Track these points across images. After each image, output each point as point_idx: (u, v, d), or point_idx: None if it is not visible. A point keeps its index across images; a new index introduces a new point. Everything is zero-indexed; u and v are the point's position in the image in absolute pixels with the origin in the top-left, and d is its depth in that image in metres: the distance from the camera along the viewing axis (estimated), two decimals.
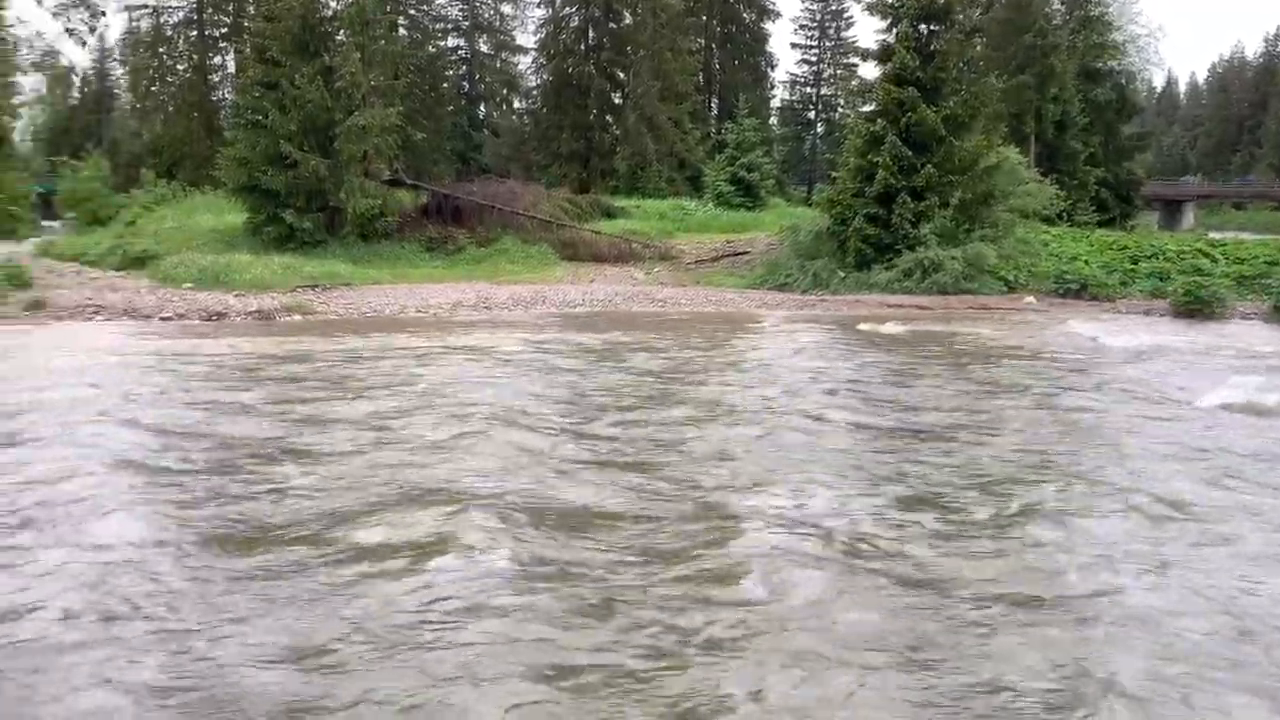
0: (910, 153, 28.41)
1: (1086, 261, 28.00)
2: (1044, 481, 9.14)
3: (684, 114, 48.34)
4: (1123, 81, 45.40)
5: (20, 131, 59.40)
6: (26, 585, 6.22)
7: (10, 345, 16.66)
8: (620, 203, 39.22)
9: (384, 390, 13.13)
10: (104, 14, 34.74)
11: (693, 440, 10.48)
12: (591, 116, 49.88)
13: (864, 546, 7.30)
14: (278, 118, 29.86)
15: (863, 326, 21.04)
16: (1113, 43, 45.02)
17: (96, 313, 21.10)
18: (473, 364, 15.58)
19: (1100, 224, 38.09)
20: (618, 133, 48.91)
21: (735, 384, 14.25)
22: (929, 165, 28.21)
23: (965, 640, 5.74)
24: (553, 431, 10.86)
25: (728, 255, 32.35)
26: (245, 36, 43.48)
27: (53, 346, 16.68)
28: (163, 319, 20.75)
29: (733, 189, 40.89)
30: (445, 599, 6.12)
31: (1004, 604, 6.29)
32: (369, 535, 7.29)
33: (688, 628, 5.82)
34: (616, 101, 50.69)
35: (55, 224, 48.03)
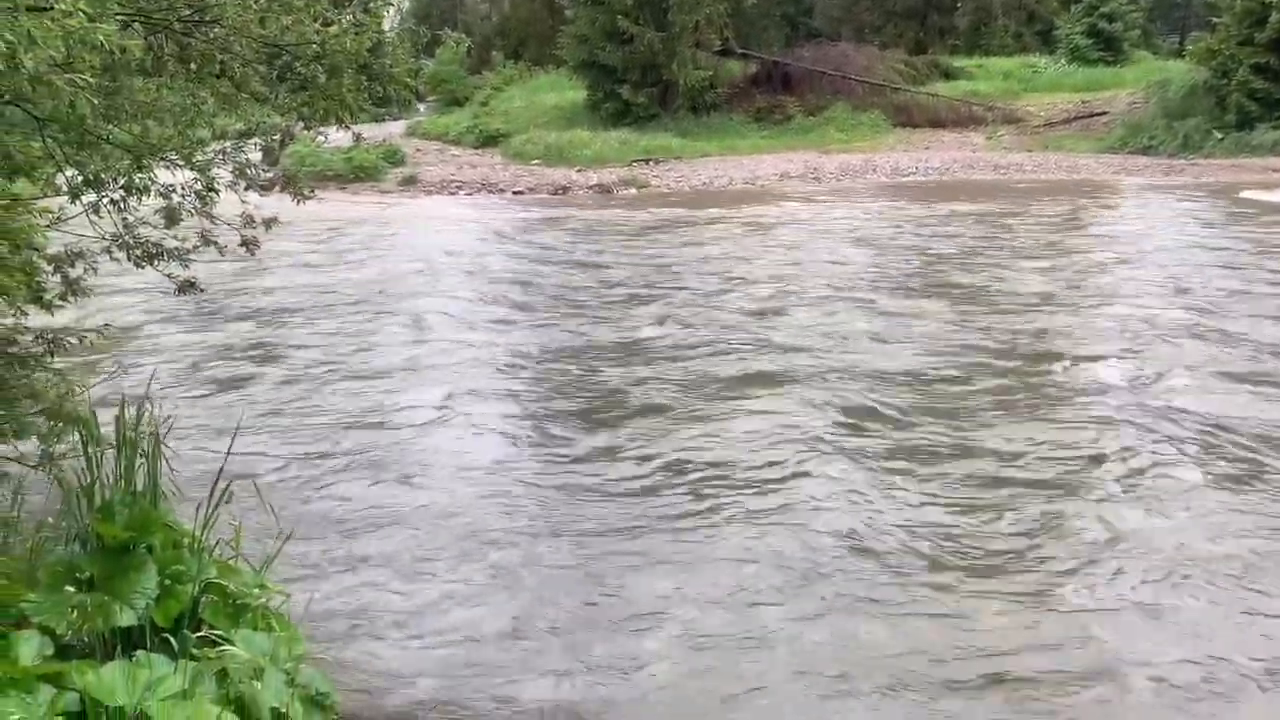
0: None
1: None
2: None
3: None
4: None
5: (389, 20, 65.08)
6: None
7: (396, 215, 18.77)
8: (960, 63, 36.68)
9: (717, 259, 13.46)
10: None
11: (1047, 330, 9.81)
12: None
13: None
14: None
15: (1247, 194, 18.63)
16: None
17: (460, 188, 23.11)
18: (799, 234, 15.53)
19: None
20: None
21: (1092, 260, 13.20)
22: None
23: None
24: (869, 304, 10.69)
25: (1081, 117, 29.60)
26: None
27: (431, 216, 18.57)
28: (515, 193, 22.36)
29: (1090, 43, 36.91)
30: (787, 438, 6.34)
31: None
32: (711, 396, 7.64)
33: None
34: None
35: (420, 105, 52.53)
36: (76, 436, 4.11)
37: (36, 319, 4.45)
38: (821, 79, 32.70)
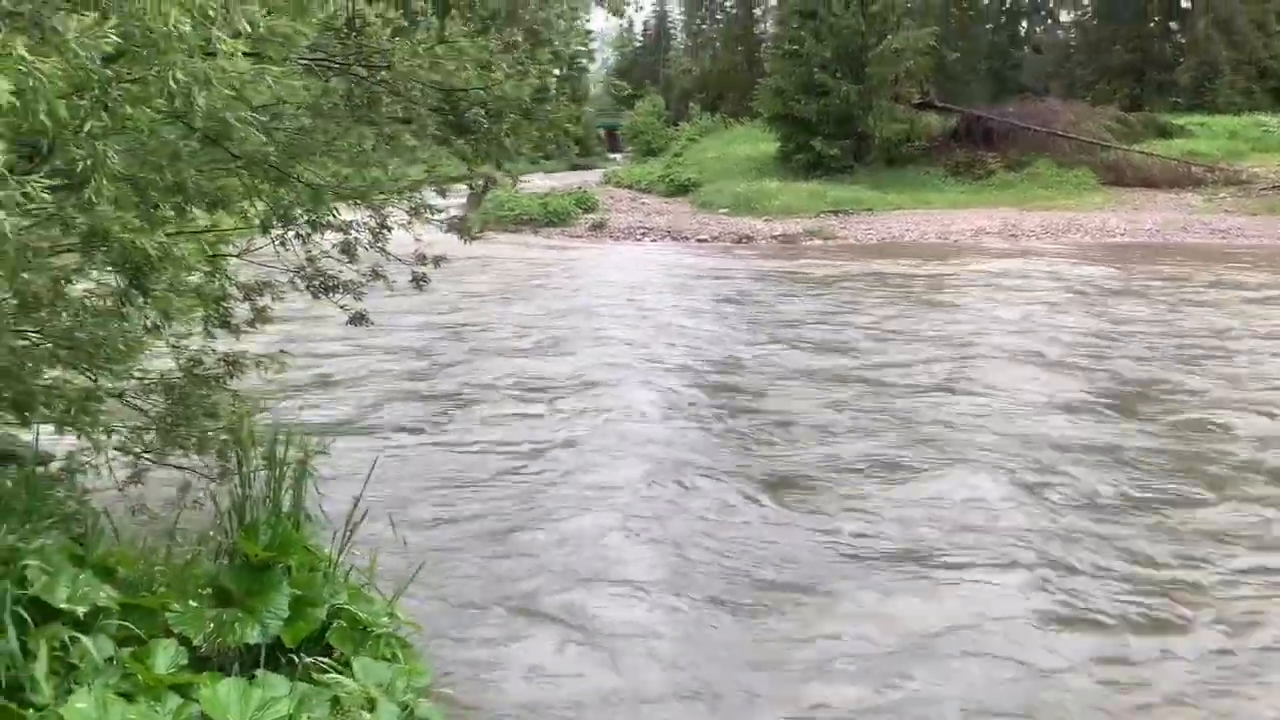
0: None
1: None
2: None
3: (1270, 13, 41.06)
4: None
5: (594, 73, 67.83)
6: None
7: (578, 257, 19.27)
8: (1180, 120, 34.52)
9: (902, 314, 13.06)
10: None
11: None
12: (1151, 24, 44.46)
13: None
14: (813, 45, 30.60)
15: None
16: None
17: (645, 234, 23.53)
18: (990, 293, 14.88)
19: None
20: (1182, 40, 43.06)
21: None
22: None
23: None
24: (1075, 373, 10.05)
25: None
26: None
27: (612, 261, 18.96)
28: (699, 241, 22.55)
29: None
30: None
31: None
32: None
33: None
34: (1184, 4, 44.54)
35: (618, 155, 54.21)
36: (244, 455, 4.31)
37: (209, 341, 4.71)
38: (1026, 134, 31.49)
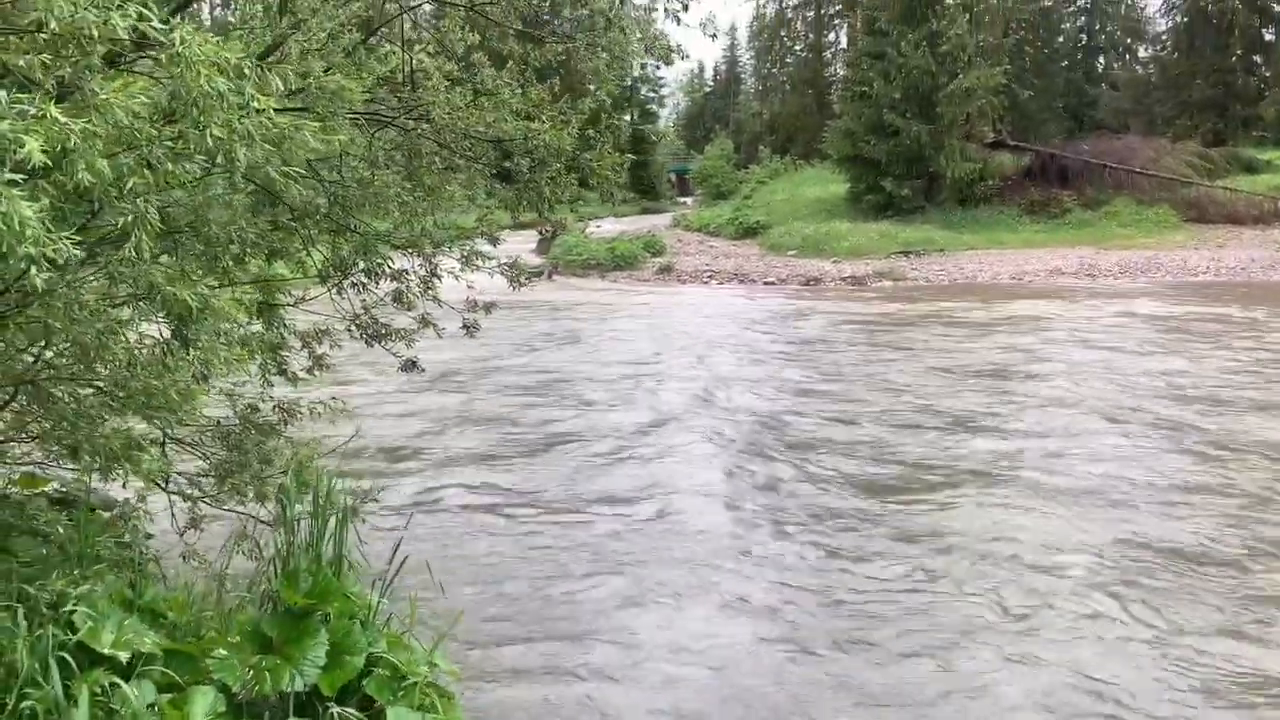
0: None
1: None
2: None
3: None
4: None
5: (664, 119, 68.70)
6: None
7: (653, 302, 19.32)
8: (1266, 155, 33.51)
9: (971, 358, 12.81)
10: None
11: None
12: (1233, 58, 43.32)
13: None
14: (882, 86, 30.50)
15: None
16: None
17: (711, 277, 23.53)
18: (1064, 335, 14.51)
19: None
20: (1266, 74, 41.89)
21: None
22: None
23: None
24: (1147, 423, 9.72)
25: None
26: (857, 10, 45.01)
27: (676, 303, 18.96)
28: (765, 283, 22.46)
29: None
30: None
31: None
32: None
33: None
34: (1267, 38, 43.43)
35: (688, 199, 54.61)
36: (289, 502, 4.35)
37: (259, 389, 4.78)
38: (1103, 172, 30.86)
